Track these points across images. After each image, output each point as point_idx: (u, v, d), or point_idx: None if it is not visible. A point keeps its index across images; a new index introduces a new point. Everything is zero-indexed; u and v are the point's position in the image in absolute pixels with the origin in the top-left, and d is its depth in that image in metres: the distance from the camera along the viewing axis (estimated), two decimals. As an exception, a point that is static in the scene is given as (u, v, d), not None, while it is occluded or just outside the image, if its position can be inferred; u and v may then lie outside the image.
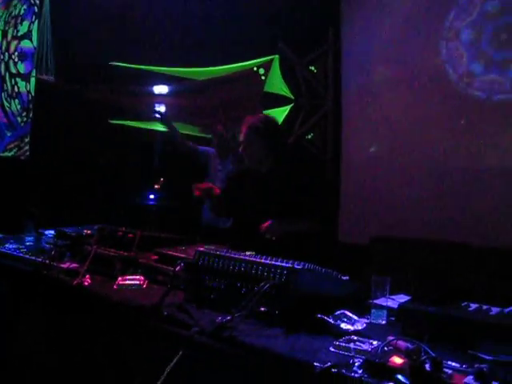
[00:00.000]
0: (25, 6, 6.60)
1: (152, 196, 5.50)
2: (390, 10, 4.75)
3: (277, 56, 5.35)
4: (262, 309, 2.16)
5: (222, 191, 3.80)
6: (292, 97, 5.33)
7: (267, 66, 5.41)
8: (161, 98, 5.97)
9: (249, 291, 2.24)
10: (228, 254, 2.48)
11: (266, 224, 3.35)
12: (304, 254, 2.42)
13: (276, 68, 5.38)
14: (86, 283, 2.81)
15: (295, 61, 5.25)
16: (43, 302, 2.99)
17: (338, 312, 2.16)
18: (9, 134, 6.69)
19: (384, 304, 2.29)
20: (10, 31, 6.67)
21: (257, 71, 5.48)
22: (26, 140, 6.62)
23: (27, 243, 3.76)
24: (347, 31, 5.01)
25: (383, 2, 4.86)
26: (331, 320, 2.09)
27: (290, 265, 2.23)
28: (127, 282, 2.82)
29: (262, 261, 2.33)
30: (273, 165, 3.59)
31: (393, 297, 2.42)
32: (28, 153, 6.61)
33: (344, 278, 2.41)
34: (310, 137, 5.31)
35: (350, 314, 2.16)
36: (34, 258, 3.23)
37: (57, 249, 3.31)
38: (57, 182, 6.13)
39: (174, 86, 5.88)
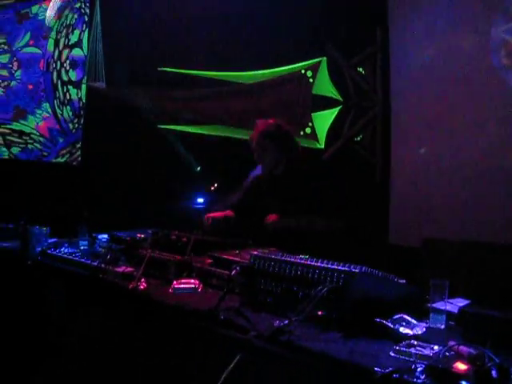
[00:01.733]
0: (76, 16, 6.77)
1: (201, 200, 5.54)
2: (440, 9, 4.67)
3: (324, 58, 5.33)
4: (320, 313, 2.15)
5: (240, 201, 3.90)
6: (341, 99, 5.30)
7: (315, 69, 5.40)
8: (209, 102, 6.03)
9: (305, 295, 2.24)
10: (283, 258, 2.49)
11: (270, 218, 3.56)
12: (354, 257, 2.42)
13: (324, 70, 5.35)
14: (142, 287, 2.86)
15: (343, 62, 5.21)
16: (100, 305, 3.05)
17: (397, 316, 2.13)
18: (61, 141, 6.86)
19: (443, 308, 2.25)
20: (62, 40, 6.85)
21: (305, 74, 5.46)
22: (78, 146, 6.78)
23: (81, 247, 3.85)
24: (395, 31, 4.94)
25: (432, 0, 4.79)
26: (390, 324, 2.06)
27: (347, 268, 2.22)
28: (182, 285, 2.85)
29: (319, 264, 2.33)
30: (286, 168, 3.76)
31: (451, 300, 2.37)
32: (80, 158, 6.77)
33: (401, 281, 2.38)
34: (359, 139, 5.27)
35: (409, 318, 2.13)
36: (89, 261, 3.30)
37: (112, 253, 3.37)
38: (108, 186, 6.25)
39: (222, 90, 5.93)
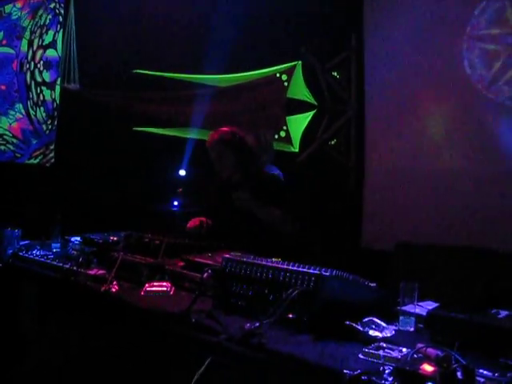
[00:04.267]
0: (50, 16, 6.70)
1: (176, 202, 5.52)
2: (414, 14, 4.72)
3: (299, 62, 5.35)
4: (290, 316, 2.16)
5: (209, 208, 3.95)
6: (315, 103, 5.33)
7: (290, 72, 5.42)
8: (184, 104, 6.02)
9: (277, 298, 2.25)
10: (255, 261, 2.49)
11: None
12: (325, 261, 2.43)
13: (299, 74, 5.38)
14: (114, 290, 2.84)
15: (318, 66, 5.24)
16: (71, 308, 3.03)
17: (366, 319, 2.16)
18: (34, 142, 6.78)
19: (412, 311, 2.28)
20: (36, 41, 6.78)
21: (279, 77, 5.48)
22: (51, 147, 6.70)
23: (54, 250, 3.80)
24: (370, 36, 4.98)
25: (406, 6, 4.84)
26: (360, 327, 2.08)
27: (317, 271, 2.24)
28: (154, 288, 2.84)
29: (290, 267, 2.34)
30: (243, 177, 3.79)
31: (420, 304, 2.41)
32: (53, 160, 6.70)
33: (372, 284, 2.41)
34: (333, 143, 5.30)
35: (379, 321, 2.16)
36: (61, 264, 3.27)
37: (84, 255, 3.35)
38: (81, 188, 6.20)
39: (198, 93, 5.92)
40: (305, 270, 2.27)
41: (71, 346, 2.91)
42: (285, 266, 2.36)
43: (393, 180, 4.93)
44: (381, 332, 2.09)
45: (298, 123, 5.45)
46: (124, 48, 5.95)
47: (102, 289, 2.82)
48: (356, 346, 1.96)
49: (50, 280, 3.18)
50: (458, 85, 4.55)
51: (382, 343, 1.94)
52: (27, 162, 6.78)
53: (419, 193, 4.77)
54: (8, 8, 6.93)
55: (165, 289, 2.84)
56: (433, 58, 4.64)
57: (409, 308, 2.29)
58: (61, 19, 6.57)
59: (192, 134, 6.10)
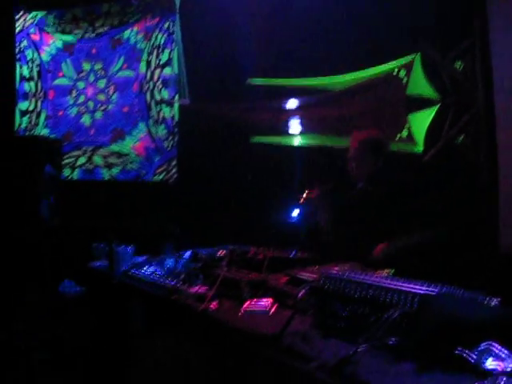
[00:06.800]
0: (165, 36, 6.87)
1: (295, 214, 5.36)
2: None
3: (418, 55, 4.96)
4: (391, 341, 1.87)
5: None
6: (438, 97, 4.90)
7: (408, 67, 5.03)
8: (299, 111, 5.86)
9: (378, 319, 1.97)
10: (355, 278, 2.22)
11: (379, 248, 3.37)
12: (455, 272, 2.12)
13: (418, 68, 4.97)
14: (213, 308, 2.71)
15: (438, 58, 4.81)
16: (173, 326, 2.95)
17: (484, 345, 1.78)
18: (157, 159, 6.96)
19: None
20: (153, 61, 6.98)
21: (397, 74, 5.12)
22: (173, 163, 6.84)
23: (166, 266, 3.78)
24: (495, 19, 4.48)
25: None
26: (474, 356, 1.74)
27: (423, 289, 1.93)
28: (253, 307, 2.66)
29: (392, 285, 2.04)
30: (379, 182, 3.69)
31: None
32: (176, 176, 6.82)
33: (493, 302, 2.03)
34: (461, 139, 4.83)
35: (499, 349, 1.78)
36: (166, 282, 3.21)
37: (189, 272, 3.27)
38: (204, 202, 6.23)
39: (312, 98, 5.73)
40: (408, 287, 1.97)
41: (171, 363, 2.83)
42: (387, 284, 2.07)
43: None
44: (501, 363, 1.72)
45: (421, 121, 5.04)
46: (235, 59, 5.91)
47: (201, 308, 2.70)
48: (468, 380, 1.63)
49: (155, 297, 3.14)
50: None
51: (501, 379, 1.59)
52: (151, 179, 6.97)
53: None
54: (126, 34, 7.20)
55: (264, 308, 2.65)
56: None
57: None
58: (175, 37, 6.71)
59: (312, 141, 5.92)
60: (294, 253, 3.41)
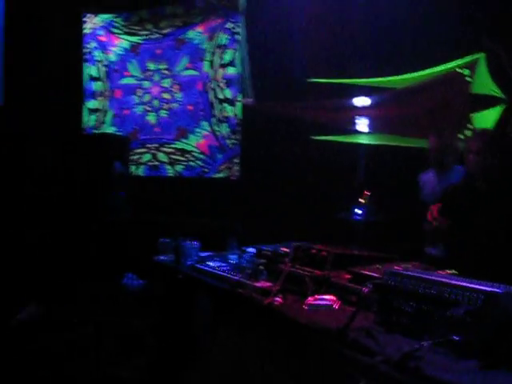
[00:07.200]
0: (228, 36, 7.05)
1: (358, 211, 5.37)
2: None
3: (482, 54, 4.90)
4: (455, 338, 1.91)
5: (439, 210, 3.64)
6: (503, 96, 4.83)
7: (472, 66, 4.98)
8: (361, 110, 5.87)
9: (442, 317, 2.02)
10: (419, 275, 2.27)
11: None
12: None
13: (482, 66, 4.92)
14: (277, 303, 2.80)
15: (503, 55, 4.74)
16: (239, 318, 3.06)
17: (549, 345, 1.82)
18: (220, 157, 7.14)
19: None
20: (216, 61, 7.15)
21: (461, 72, 5.07)
22: (236, 161, 7.00)
23: (230, 261, 3.91)
24: None
25: None
26: (540, 355, 1.77)
27: (488, 288, 1.96)
28: (318, 302, 2.74)
29: (458, 282, 2.08)
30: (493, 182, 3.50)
31: None
32: (238, 173, 6.98)
33: None
34: (526, 138, 4.75)
35: None
36: (231, 276, 3.33)
37: (254, 267, 3.37)
38: (265, 199, 6.34)
39: (374, 97, 5.74)
40: (474, 285, 2.00)
41: (238, 355, 2.93)
42: (452, 281, 2.10)
43: None
44: None
45: (486, 120, 4.99)
46: (298, 57, 5.99)
47: (266, 301, 2.79)
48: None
49: (221, 291, 3.26)
50: None
51: None
52: (214, 176, 7.14)
53: None
54: (190, 34, 7.42)
55: (328, 303, 2.72)
56: None
57: None
58: (238, 38, 6.85)
59: (371, 140, 5.94)
60: (355, 250, 3.46)
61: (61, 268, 6.09)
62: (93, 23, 8.17)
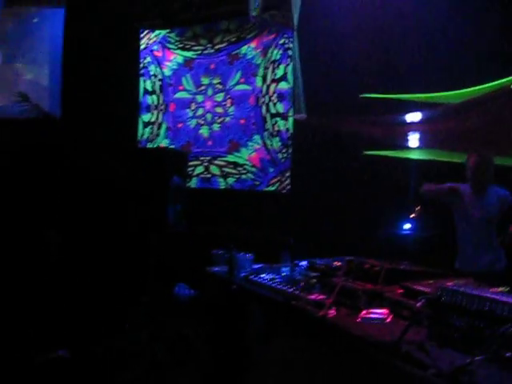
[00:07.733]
0: (281, 51, 7.21)
1: (409, 226, 5.37)
2: None
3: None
4: (508, 354, 1.97)
5: None
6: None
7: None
8: (414, 125, 5.89)
9: (494, 333, 2.07)
10: (473, 292, 2.33)
11: None
12: None
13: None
14: (331, 315, 2.89)
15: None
16: (292, 330, 3.15)
17: None
18: (271, 170, 7.26)
19: None
20: (269, 75, 7.31)
21: (513, 89, 5.06)
22: (287, 174, 7.11)
23: (282, 274, 4.00)
24: None
25: None
26: None
27: (540, 306, 2.01)
28: (371, 315, 2.82)
29: (509, 300, 2.13)
30: None
31: None
32: (289, 186, 7.07)
33: None
34: None
35: None
36: (285, 288, 3.43)
37: (307, 280, 3.46)
38: (316, 213, 6.41)
39: (426, 113, 5.75)
40: (526, 303, 2.06)
41: (291, 366, 3.02)
42: (503, 298, 2.16)
43: None
44: None
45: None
46: (350, 74, 6.05)
47: (320, 314, 2.88)
48: None
49: (274, 303, 3.36)
50: None
51: None
52: (265, 189, 7.27)
53: None
54: (243, 49, 7.60)
55: (381, 316, 2.80)
56: None
57: None
58: (290, 53, 6.98)
59: (423, 155, 5.94)
60: (407, 265, 3.51)
61: (122, 280, 6.31)
62: (148, 39, 8.45)
